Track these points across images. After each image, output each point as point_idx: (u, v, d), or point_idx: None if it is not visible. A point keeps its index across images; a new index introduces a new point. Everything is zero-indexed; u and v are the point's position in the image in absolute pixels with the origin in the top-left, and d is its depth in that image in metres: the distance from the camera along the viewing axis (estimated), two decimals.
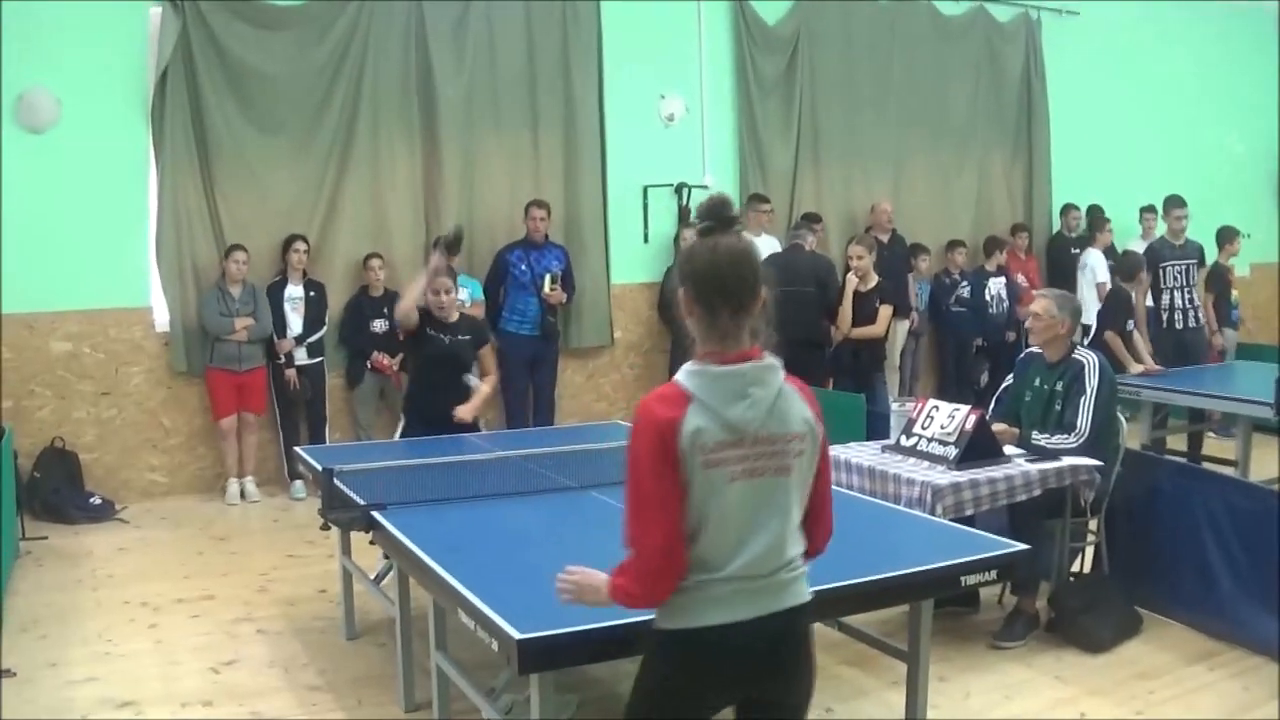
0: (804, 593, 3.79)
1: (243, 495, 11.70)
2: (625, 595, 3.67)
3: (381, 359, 11.94)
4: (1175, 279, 12.52)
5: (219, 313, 11.41)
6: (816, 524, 3.87)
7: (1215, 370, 12.40)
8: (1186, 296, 12.53)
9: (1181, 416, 11.99)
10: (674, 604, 3.66)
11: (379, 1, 12.35)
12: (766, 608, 3.67)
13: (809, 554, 3.84)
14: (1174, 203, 12.81)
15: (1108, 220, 15.83)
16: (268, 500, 11.71)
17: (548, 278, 12.46)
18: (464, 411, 8.67)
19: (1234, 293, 14.82)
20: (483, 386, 8.96)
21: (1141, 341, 11.78)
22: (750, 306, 3.67)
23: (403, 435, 9.39)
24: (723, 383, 3.59)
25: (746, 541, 3.62)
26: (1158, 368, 11.63)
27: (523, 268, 12.51)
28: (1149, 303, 12.74)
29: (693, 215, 3.48)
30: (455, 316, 8.83)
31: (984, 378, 14.72)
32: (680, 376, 3.64)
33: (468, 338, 8.82)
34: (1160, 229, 14.19)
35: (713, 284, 3.63)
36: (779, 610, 3.70)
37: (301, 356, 11.87)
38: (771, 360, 3.69)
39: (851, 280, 11.64)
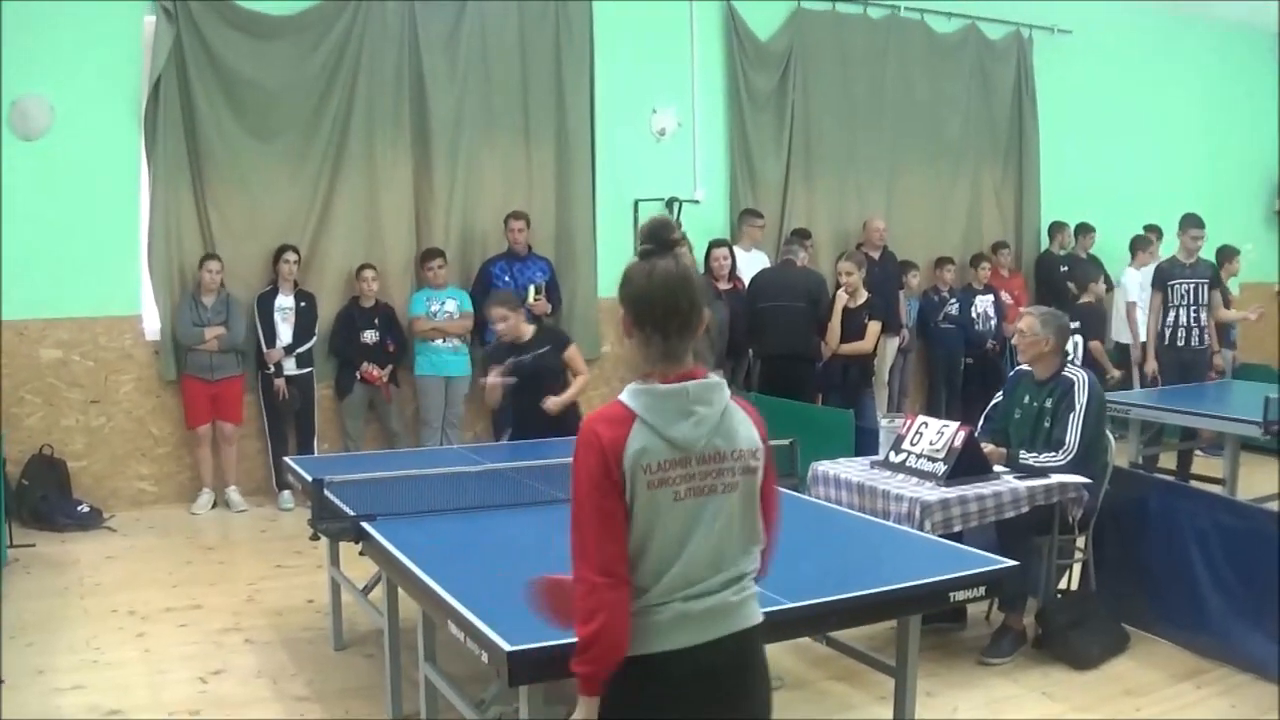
0: (754, 614, 3.72)
1: (227, 504, 11.71)
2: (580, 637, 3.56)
3: (371, 370, 11.95)
4: (1183, 298, 12.51)
5: (190, 322, 11.40)
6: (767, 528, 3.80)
7: (1207, 389, 12.40)
8: (1192, 315, 12.50)
9: (1175, 435, 12.01)
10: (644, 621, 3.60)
11: (373, 12, 12.35)
12: (716, 631, 3.61)
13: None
14: (1191, 222, 12.79)
15: (1150, 242, 15.79)
16: (256, 510, 11.69)
17: (531, 288, 12.48)
18: (552, 404, 9.09)
19: (1233, 310, 14.86)
20: (576, 382, 9.43)
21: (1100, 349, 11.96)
22: (686, 331, 3.63)
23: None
24: (667, 401, 3.56)
25: (692, 562, 3.57)
26: (1116, 372, 11.77)
27: (506, 279, 12.51)
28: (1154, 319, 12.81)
29: (639, 239, 3.42)
30: (529, 334, 9.26)
31: None
32: (624, 396, 3.61)
33: (546, 349, 9.19)
34: (1167, 248, 14.23)
35: (647, 308, 3.62)
36: (729, 634, 3.63)
37: (291, 367, 11.82)
38: (716, 379, 3.66)
39: (841, 297, 11.65)
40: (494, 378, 9.17)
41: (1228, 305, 14.33)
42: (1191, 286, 12.51)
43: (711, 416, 3.59)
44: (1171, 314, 12.62)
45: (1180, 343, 12.58)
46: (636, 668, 3.57)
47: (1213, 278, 12.71)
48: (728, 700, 3.68)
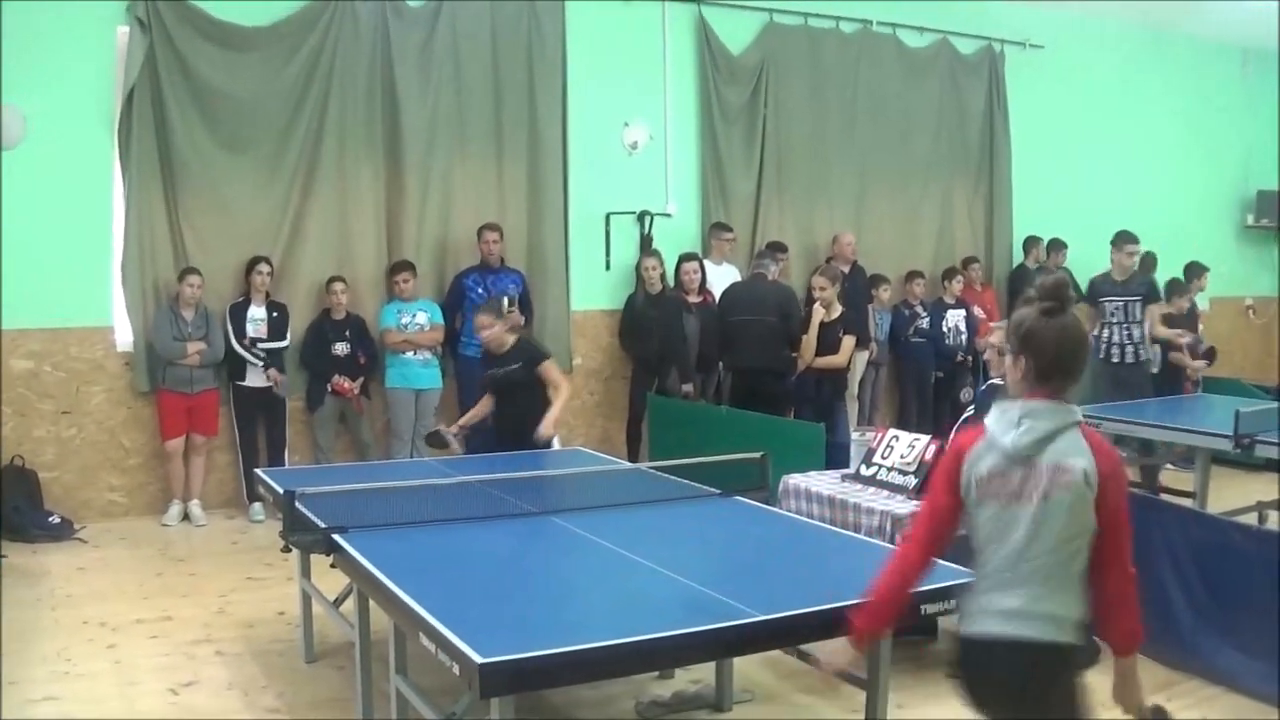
0: (1049, 633, 4.04)
1: (187, 517, 11.63)
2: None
3: (342, 382, 11.94)
4: (1114, 314, 12.55)
5: (171, 336, 11.35)
6: (1100, 573, 4.14)
7: (1174, 403, 12.44)
8: (1125, 333, 12.54)
9: (1130, 448, 12.03)
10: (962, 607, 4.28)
11: (345, 24, 12.35)
12: (1014, 632, 4.02)
13: (1102, 604, 4.21)
14: (1124, 238, 12.91)
15: (1154, 257, 15.78)
16: (226, 522, 11.66)
17: (504, 300, 12.47)
18: (545, 428, 9.28)
19: (1200, 327, 14.91)
20: (557, 397, 9.53)
21: None
22: (1067, 382, 4.07)
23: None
24: (1006, 415, 4.04)
25: (1001, 560, 4.06)
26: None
27: (479, 291, 12.50)
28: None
29: (1034, 291, 4.20)
30: (507, 345, 9.55)
31: (966, 394, 14.55)
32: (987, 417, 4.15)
33: (516, 365, 9.43)
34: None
35: (1054, 362, 4.03)
36: (1024, 639, 4.02)
37: (260, 380, 11.80)
38: (1065, 405, 4.04)
39: (818, 312, 11.66)
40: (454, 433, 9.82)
41: (1199, 320, 14.43)
42: (1122, 304, 12.56)
43: (1040, 429, 3.98)
44: (1106, 330, 12.67)
45: (1115, 359, 12.63)
46: (963, 648, 4.22)
47: (1147, 294, 12.76)
48: (1009, 704, 4.10)
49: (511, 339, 9.52)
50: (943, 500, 4.20)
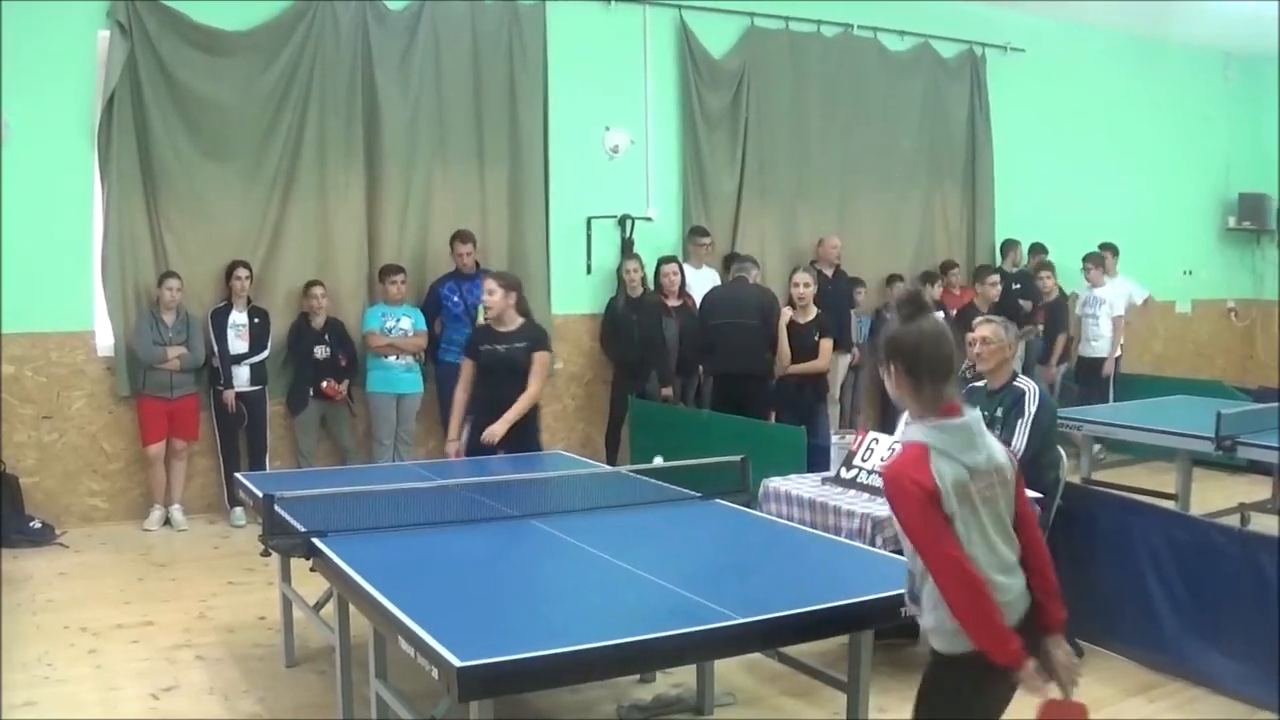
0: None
1: (168, 522, 11.62)
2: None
3: (331, 385, 11.92)
4: None
5: (152, 341, 11.33)
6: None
7: (1156, 405, 12.42)
8: None
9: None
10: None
11: (326, 28, 12.33)
12: (1014, 619, 4.35)
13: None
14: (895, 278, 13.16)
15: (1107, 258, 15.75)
16: (208, 527, 11.65)
17: (481, 308, 12.45)
18: (490, 434, 8.96)
19: (1038, 326, 15.01)
20: (520, 399, 9.14)
21: None
22: (950, 376, 4.22)
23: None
24: (958, 435, 4.17)
25: (992, 564, 4.23)
26: None
27: (455, 299, 12.53)
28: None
29: (897, 307, 4.31)
30: (512, 324, 9.35)
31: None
32: (915, 434, 4.21)
33: (520, 345, 9.19)
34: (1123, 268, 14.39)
35: (920, 362, 4.18)
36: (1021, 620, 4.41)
37: (244, 382, 11.79)
38: (974, 413, 4.27)
39: (786, 313, 11.66)
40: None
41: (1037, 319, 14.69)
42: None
43: (986, 441, 4.24)
44: None
45: None
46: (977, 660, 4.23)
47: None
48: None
49: (520, 319, 9.29)
50: (943, 524, 4.21)
